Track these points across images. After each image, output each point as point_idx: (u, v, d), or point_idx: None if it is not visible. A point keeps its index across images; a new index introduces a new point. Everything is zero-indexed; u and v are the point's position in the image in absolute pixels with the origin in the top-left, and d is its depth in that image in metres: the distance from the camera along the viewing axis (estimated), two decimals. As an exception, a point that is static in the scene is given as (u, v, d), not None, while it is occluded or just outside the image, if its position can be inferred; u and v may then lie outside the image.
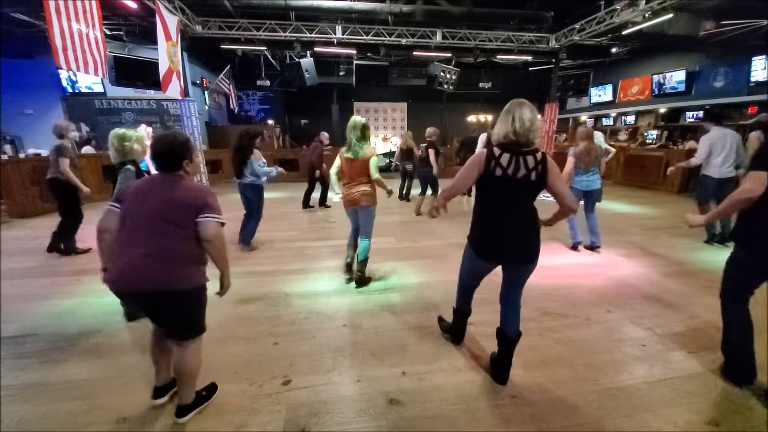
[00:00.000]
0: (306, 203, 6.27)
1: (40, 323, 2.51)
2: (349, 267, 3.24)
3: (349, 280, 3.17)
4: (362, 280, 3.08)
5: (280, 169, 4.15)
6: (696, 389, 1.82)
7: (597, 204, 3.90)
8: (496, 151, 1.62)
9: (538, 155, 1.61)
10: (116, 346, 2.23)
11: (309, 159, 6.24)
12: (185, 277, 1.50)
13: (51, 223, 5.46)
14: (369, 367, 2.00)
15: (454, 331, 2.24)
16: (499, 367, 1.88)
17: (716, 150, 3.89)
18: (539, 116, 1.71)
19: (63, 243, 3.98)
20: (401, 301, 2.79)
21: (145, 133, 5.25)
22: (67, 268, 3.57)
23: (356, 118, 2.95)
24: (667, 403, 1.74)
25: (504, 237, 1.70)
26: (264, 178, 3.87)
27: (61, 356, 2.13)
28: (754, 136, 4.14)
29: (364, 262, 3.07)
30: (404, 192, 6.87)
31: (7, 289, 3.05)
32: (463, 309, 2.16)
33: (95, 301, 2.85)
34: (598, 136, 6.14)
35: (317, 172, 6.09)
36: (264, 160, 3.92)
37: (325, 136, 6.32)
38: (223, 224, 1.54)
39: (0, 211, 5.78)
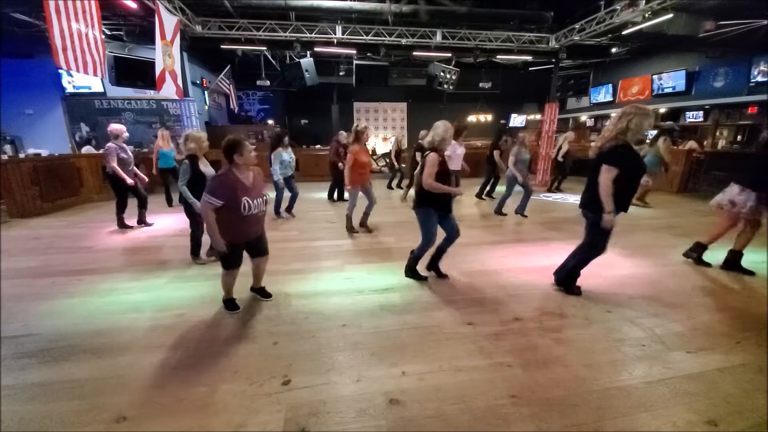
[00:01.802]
0: (330, 196, 7.06)
1: (41, 323, 2.51)
2: (360, 224, 4.72)
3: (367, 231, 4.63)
4: (366, 228, 4.67)
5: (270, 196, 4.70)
6: (695, 389, 1.83)
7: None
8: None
9: (427, 153, 2.78)
10: (116, 346, 2.23)
11: (330, 159, 6.72)
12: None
13: (51, 223, 5.51)
14: (369, 367, 2.00)
15: (431, 262, 3.25)
16: (432, 263, 3.21)
17: None
18: (449, 130, 2.83)
19: (117, 219, 4.95)
20: (401, 301, 2.79)
21: (161, 133, 6.31)
22: (68, 267, 3.57)
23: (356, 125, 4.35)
24: (666, 402, 1.74)
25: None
26: (276, 176, 5.03)
27: (61, 356, 2.13)
28: (661, 142, 5.90)
29: (367, 214, 4.66)
30: (394, 183, 8.36)
31: (8, 288, 3.05)
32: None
33: (96, 300, 2.85)
34: (567, 136, 7.71)
35: (340, 166, 6.49)
36: (288, 158, 5.13)
37: (343, 135, 6.54)
38: (211, 204, 2.17)
39: (0, 211, 5.78)
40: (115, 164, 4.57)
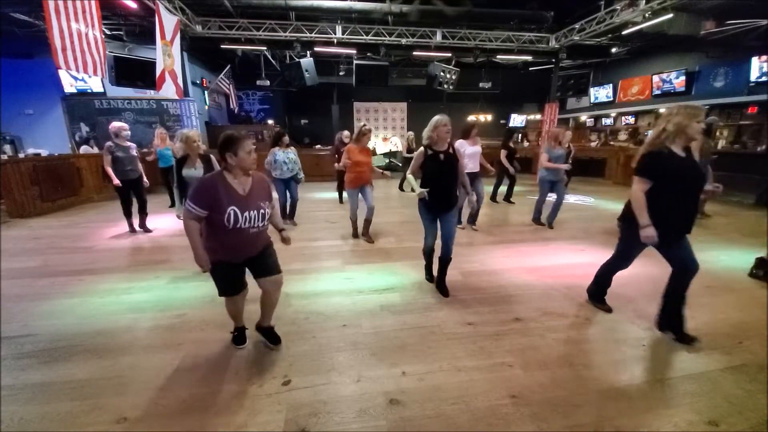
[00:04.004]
0: (341, 198, 7.01)
1: (41, 323, 2.51)
2: (362, 233, 4.50)
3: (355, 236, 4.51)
4: (368, 237, 4.41)
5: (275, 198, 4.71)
6: (696, 389, 1.83)
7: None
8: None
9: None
10: (117, 347, 2.23)
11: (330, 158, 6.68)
12: None
13: (50, 223, 5.51)
14: (369, 367, 2.00)
15: (429, 268, 3.14)
16: (441, 284, 2.92)
17: None
18: (441, 124, 2.58)
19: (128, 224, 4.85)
20: (401, 301, 2.79)
21: (158, 132, 6.26)
22: (68, 267, 3.56)
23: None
24: (667, 403, 1.74)
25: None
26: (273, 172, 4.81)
27: (61, 356, 2.13)
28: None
29: (369, 221, 4.37)
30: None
31: (8, 289, 3.05)
32: (431, 249, 2.97)
33: (96, 300, 2.85)
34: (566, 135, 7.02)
35: (338, 165, 6.51)
36: (282, 158, 4.78)
37: (344, 134, 6.42)
38: (190, 212, 1.76)
39: (0, 211, 5.78)
40: (107, 165, 4.45)
